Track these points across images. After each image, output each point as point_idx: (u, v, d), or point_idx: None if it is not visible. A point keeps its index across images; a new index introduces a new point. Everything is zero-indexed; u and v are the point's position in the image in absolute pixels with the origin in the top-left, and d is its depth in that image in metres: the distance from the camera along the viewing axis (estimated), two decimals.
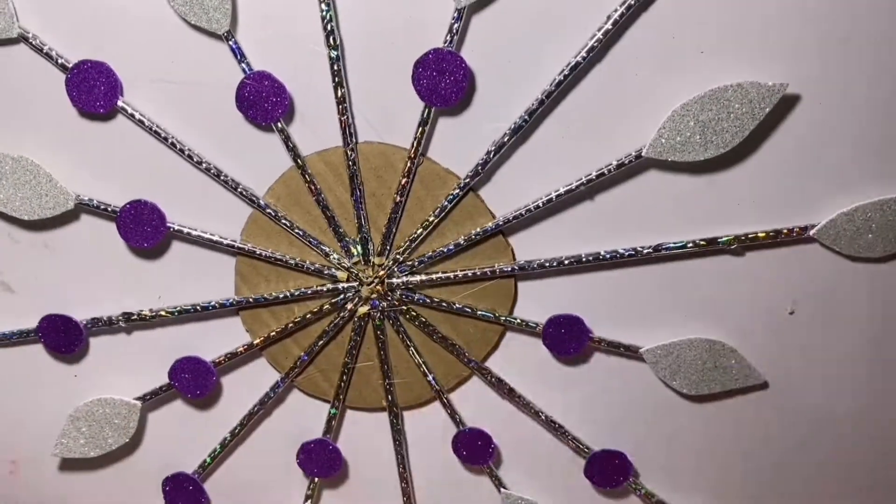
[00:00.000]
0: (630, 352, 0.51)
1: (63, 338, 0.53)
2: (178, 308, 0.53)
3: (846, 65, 0.45)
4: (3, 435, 0.60)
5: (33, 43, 0.47)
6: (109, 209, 0.50)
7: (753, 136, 0.45)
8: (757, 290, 0.50)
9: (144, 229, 0.50)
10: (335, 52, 0.46)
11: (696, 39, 0.45)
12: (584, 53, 0.44)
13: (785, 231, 0.48)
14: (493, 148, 0.47)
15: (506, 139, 0.47)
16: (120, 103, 0.48)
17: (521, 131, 0.46)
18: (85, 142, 0.50)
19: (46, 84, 0.49)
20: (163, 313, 0.53)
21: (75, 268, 0.54)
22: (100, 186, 0.51)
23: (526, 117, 0.46)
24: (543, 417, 0.54)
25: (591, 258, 0.49)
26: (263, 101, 0.47)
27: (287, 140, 0.48)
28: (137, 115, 0.48)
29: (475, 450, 0.55)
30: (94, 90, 0.48)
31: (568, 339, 0.51)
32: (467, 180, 0.48)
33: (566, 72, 0.45)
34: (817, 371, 0.52)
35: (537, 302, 0.52)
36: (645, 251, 0.48)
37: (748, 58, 0.45)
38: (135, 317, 0.53)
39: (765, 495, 0.56)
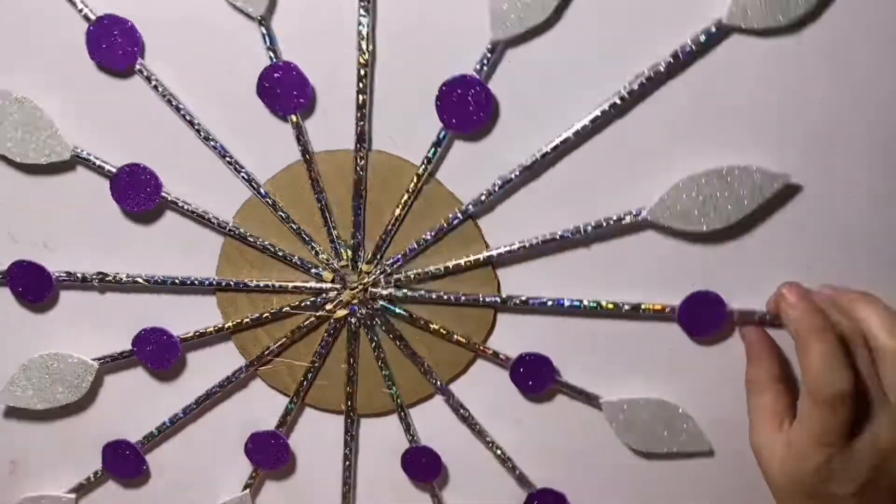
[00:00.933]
0: (591, 400, 0.52)
1: (32, 287, 0.52)
2: (156, 278, 0.52)
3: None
4: (3, 435, 0.59)
5: None
6: (105, 168, 0.50)
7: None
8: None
9: (139, 194, 0.50)
10: (365, 58, 0.46)
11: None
12: (605, 107, 0.46)
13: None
14: (499, 182, 0.48)
15: (513, 176, 0.47)
16: (138, 65, 0.48)
17: (530, 170, 0.47)
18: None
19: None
20: (139, 280, 0.52)
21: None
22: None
23: (538, 157, 0.47)
24: (494, 447, 0.55)
25: (573, 303, 0.50)
26: (285, 92, 0.47)
27: (300, 133, 0.48)
28: (154, 80, 0.48)
29: (423, 467, 0.55)
30: (114, 46, 0.47)
31: (534, 378, 0.52)
32: (469, 208, 0.49)
33: (586, 122, 0.46)
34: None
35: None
36: (625, 308, 0.50)
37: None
38: (109, 278, 0.52)
39: None
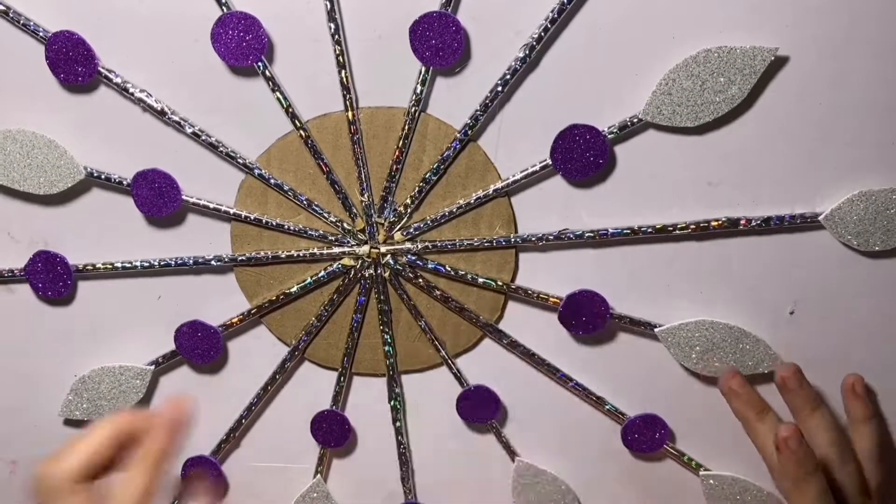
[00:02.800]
0: (647, 328, 0.51)
1: (51, 279, 0.53)
2: (174, 259, 0.52)
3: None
4: (3, 435, 0.60)
5: (10, 16, 0.48)
6: (114, 179, 0.50)
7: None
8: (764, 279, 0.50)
9: (161, 199, 0.50)
10: (335, 16, 0.46)
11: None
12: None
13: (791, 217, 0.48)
14: (489, 94, 0.47)
15: (499, 89, 0.47)
16: (101, 70, 0.48)
17: (515, 76, 0.46)
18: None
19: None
20: (154, 263, 0.52)
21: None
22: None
23: (518, 66, 0.46)
24: (572, 384, 0.53)
25: (595, 234, 0.49)
26: (239, 40, 0.46)
27: (281, 96, 0.48)
28: (121, 83, 0.48)
29: (480, 406, 0.54)
30: (71, 62, 0.48)
31: (589, 316, 0.50)
32: (467, 130, 0.48)
33: (546, 25, 0.45)
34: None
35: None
36: (643, 229, 0.48)
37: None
38: (117, 265, 0.53)
39: None
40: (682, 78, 0.45)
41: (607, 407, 0.53)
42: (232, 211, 0.51)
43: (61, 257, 0.53)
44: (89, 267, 0.53)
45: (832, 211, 0.48)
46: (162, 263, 0.52)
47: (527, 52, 0.46)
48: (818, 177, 0.48)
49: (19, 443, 0.60)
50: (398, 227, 0.51)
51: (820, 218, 0.48)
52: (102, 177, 0.50)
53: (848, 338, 0.51)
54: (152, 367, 0.55)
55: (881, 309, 0.50)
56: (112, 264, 0.53)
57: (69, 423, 0.59)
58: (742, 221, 0.48)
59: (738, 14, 0.45)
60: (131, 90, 0.49)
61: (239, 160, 0.50)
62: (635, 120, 0.46)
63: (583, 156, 0.47)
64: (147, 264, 0.52)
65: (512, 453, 0.55)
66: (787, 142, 0.47)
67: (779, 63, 0.45)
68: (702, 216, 0.48)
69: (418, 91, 0.47)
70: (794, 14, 0.44)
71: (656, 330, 0.50)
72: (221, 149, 0.49)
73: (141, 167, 0.50)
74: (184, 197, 0.50)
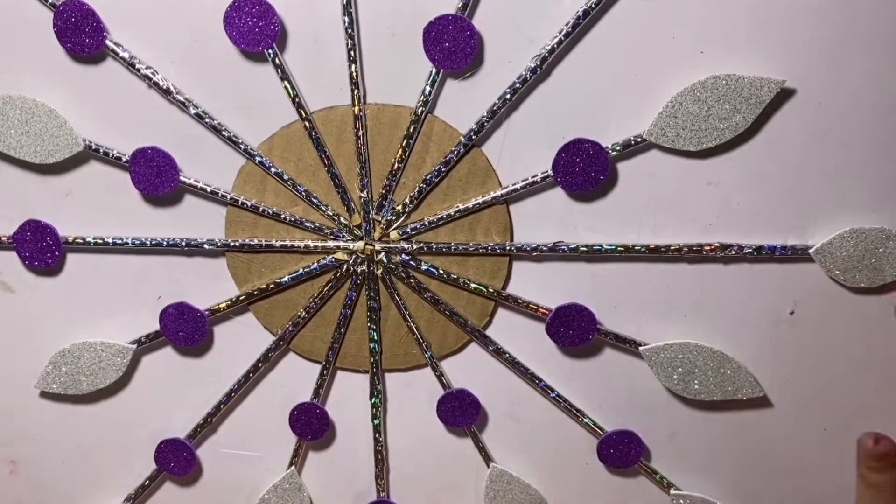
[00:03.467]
0: (631, 347, 0.51)
1: (41, 250, 0.52)
2: (166, 240, 0.52)
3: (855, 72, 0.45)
4: (3, 435, 0.60)
5: None
6: (112, 154, 0.50)
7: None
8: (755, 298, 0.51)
9: (157, 178, 0.50)
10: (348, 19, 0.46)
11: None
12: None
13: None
14: (498, 101, 0.47)
15: (508, 96, 0.47)
16: (109, 44, 0.48)
17: (525, 86, 0.47)
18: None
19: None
20: (145, 242, 0.52)
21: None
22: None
23: (528, 76, 0.46)
24: (553, 395, 0.53)
25: (590, 247, 0.49)
26: (252, 26, 0.46)
27: (289, 84, 0.48)
28: (128, 58, 0.48)
29: (461, 411, 0.54)
30: (80, 32, 0.47)
31: (575, 330, 0.51)
32: (472, 135, 0.48)
33: (560, 38, 0.46)
34: (815, 378, 0.52)
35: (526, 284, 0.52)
36: (637, 248, 0.49)
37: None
38: (117, 241, 0.52)
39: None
40: (688, 102, 0.46)
41: (586, 420, 0.54)
42: (229, 195, 0.50)
43: (51, 228, 0.52)
44: (79, 240, 0.52)
45: (823, 245, 0.48)
46: (153, 243, 0.52)
47: (538, 62, 0.46)
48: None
49: (19, 443, 0.60)
50: (395, 225, 0.51)
51: (811, 251, 0.48)
52: (101, 151, 0.50)
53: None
54: (134, 345, 0.54)
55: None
56: (102, 239, 0.52)
57: (69, 423, 0.58)
58: (734, 248, 0.48)
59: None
60: (138, 66, 0.48)
61: (241, 145, 0.49)
62: (639, 139, 0.47)
63: (584, 170, 0.47)
64: (139, 242, 0.52)
65: (487, 458, 0.56)
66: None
67: (785, 94, 0.46)
68: (695, 240, 0.49)
69: (427, 92, 0.47)
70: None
71: (641, 349, 0.51)
72: (224, 132, 0.49)
73: (141, 145, 0.49)
74: (182, 178, 0.50)
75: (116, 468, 0.59)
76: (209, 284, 0.53)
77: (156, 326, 0.53)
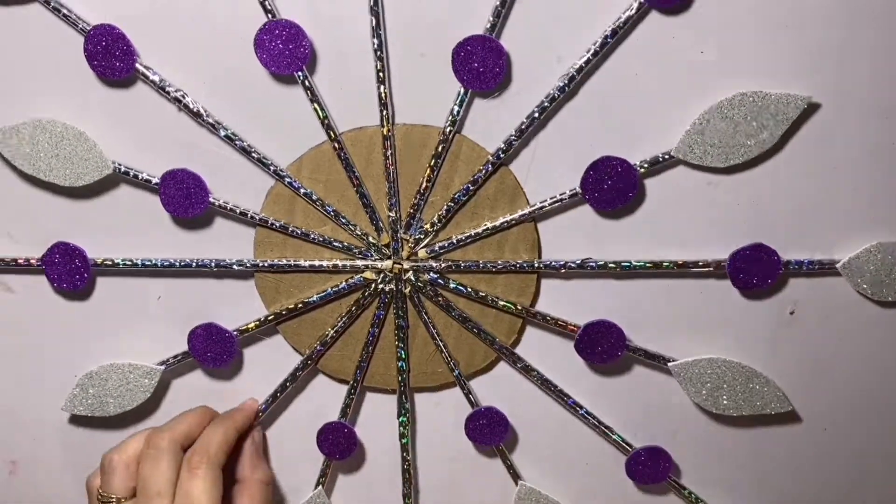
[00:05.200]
0: (660, 362, 0.51)
1: (69, 272, 0.52)
2: (195, 260, 0.52)
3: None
4: (3, 435, 0.60)
5: (51, 5, 0.47)
6: (141, 176, 0.50)
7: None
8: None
9: (187, 199, 0.50)
10: (379, 32, 0.46)
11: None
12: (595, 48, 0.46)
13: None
14: (526, 121, 0.48)
15: (536, 115, 0.47)
16: (139, 67, 0.48)
17: (553, 104, 0.47)
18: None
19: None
20: (174, 262, 0.52)
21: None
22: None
23: (556, 94, 0.47)
24: (582, 412, 0.53)
25: (615, 265, 0.49)
26: (282, 49, 0.46)
27: (319, 106, 0.48)
28: (158, 81, 0.48)
29: (489, 429, 0.54)
30: (110, 56, 0.48)
31: (604, 347, 0.51)
32: (500, 154, 0.48)
33: (588, 57, 0.46)
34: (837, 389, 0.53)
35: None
36: (665, 264, 0.49)
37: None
38: (146, 261, 0.52)
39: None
40: (716, 119, 0.46)
41: (615, 437, 0.54)
42: (259, 216, 0.51)
43: (80, 250, 0.52)
44: (108, 262, 0.52)
45: (850, 259, 0.49)
46: (182, 264, 0.52)
47: (566, 81, 0.46)
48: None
49: (19, 443, 0.60)
50: (423, 244, 0.51)
51: (838, 265, 0.49)
52: (130, 173, 0.50)
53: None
54: (162, 367, 0.54)
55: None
56: (131, 260, 0.52)
57: (69, 423, 0.58)
58: None
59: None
60: (168, 89, 0.48)
61: (270, 166, 0.50)
62: (667, 156, 0.47)
63: (613, 187, 0.47)
64: (167, 263, 0.52)
65: (516, 476, 0.56)
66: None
67: (811, 110, 0.46)
68: (724, 255, 0.49)
69: (455, 112, 0.48)
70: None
71: (669, 364, 0.51)
72: (254, 154, 0.49)
73: (170, 167, 0.50)
74: (211, 199, 0.50)
75: None
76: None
77: (184, 347, 0.53)
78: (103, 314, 0.55)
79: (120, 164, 0.50)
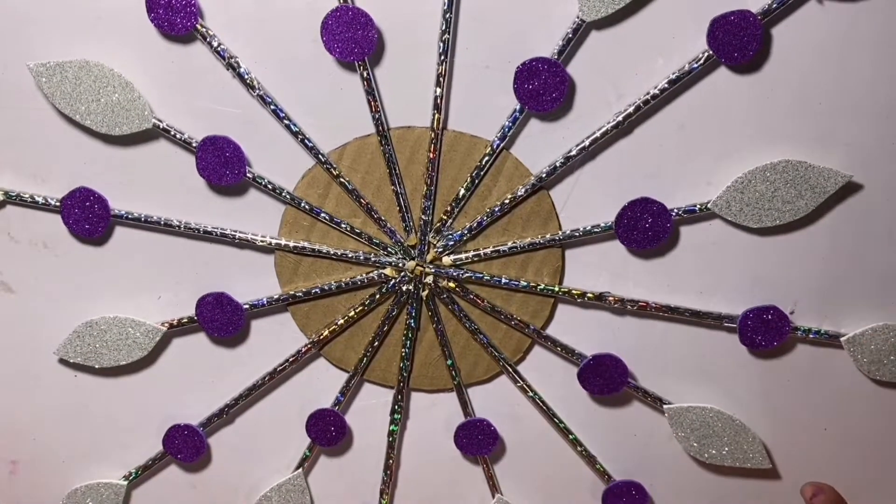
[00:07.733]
0: (657, 403, 0.53)
1: (87, 219, 0.51)
2: (217, 229, 0.51)
3: None
4: (3, 435, 0.59)
5: None
6: (181, 137, 0.49)
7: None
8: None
9: (223, 168, 0.49)
10: (445, 37, 0.46)
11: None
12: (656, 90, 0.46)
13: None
14: (575, 149, 0.48)
15: (586, 144, 0.48)
16: (199, 26, 0.48)
17: (605, 138, 0.48)
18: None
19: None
20: (197, 229, 0.51)
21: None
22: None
23: (610, 129, 0.47)
24: (571, 437, 0.54)
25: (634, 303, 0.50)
26: (349, 36, 0.46)
27: (373, 98, 0.48)
28: (216, 43, 0.48)
29: (478, 440, 0.54)
30: (171, 10, 0.47)
31: (605, 379, 0.52)
32: (542, 177, 0.49)
33: (647, 98, 0.47)
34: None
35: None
36: (680, 310, 0.51)
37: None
38: (174, 223, 0.51)
39: None
40: (757, 181, 0.47)
41: (598, 466, 0.55)
42: (292, 195, 0.50)
43: (101, 197, 0.51)
44: (129, 215, 0.51)
45: (855, 335, 0.50)
46: (205, 231, 0.51)
47: (622, 118, 0.47)
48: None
49: (19, 443, 0.59)
50: (450, 251, 0.51)
51: (842, 339, 0.50)
52: (171, 132, 0.49)
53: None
54: (164, 327, 0.53)
55: None
56: (152, 217, 0.51)
57: (69, 423, 0.58)
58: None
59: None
60: (223, 54, 0.48)
61: (312, 149, 0.49)
62: (704, 208, 0.48)
63: (647, 229, 0.48)
64: (190, 227, 0.51)
65: (494, 489, 0.56)
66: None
67: (851, 188, 0.48)
68: (739, 310, 0.50)
69: (506, 127, 0.48)
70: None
71: (665, 406, 0.52)
72: (299, 134, 0.49)
73: (210, 132, 0.49)
74: (247, 171, 0.50)
75: (119, 451, 0.58)
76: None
77: (190, 311, 0.53)
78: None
79: (161, 120, 0.49)
